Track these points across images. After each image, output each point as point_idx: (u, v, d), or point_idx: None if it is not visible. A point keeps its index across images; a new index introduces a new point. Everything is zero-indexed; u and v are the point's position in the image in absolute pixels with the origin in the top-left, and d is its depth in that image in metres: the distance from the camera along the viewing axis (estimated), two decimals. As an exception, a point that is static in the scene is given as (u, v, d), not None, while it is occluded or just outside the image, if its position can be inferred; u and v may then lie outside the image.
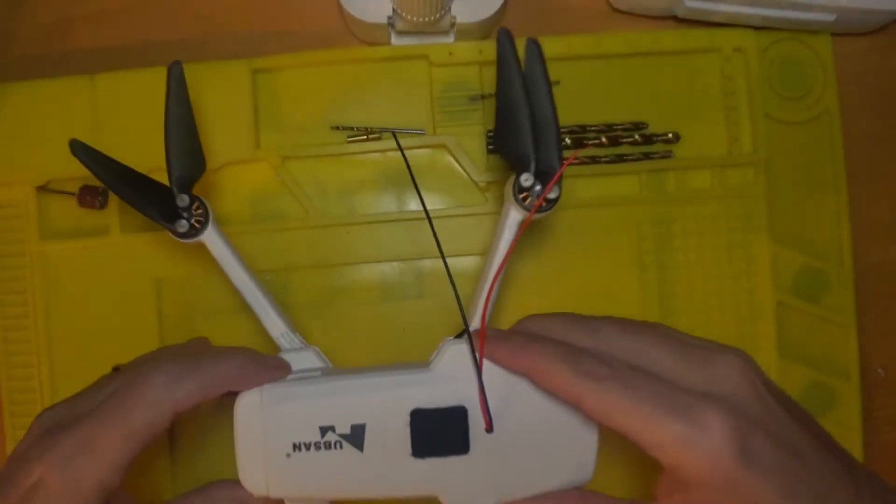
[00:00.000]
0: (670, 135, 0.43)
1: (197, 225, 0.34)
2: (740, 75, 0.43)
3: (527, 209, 0.32)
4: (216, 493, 0.34)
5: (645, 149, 0.43)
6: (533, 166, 0.32)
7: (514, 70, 0.32)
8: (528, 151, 0.31)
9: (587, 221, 0.43)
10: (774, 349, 0.42)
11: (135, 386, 0.29)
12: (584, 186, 0.43)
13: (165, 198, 0.33)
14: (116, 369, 0.34)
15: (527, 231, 0.39)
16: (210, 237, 0.34)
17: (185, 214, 0.33)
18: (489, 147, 0.42)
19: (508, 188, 0.32)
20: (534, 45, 0.33)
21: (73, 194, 0.42)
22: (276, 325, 0.35)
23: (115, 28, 0.44)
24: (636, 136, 0.43)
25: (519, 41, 0.42)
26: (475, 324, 0.33)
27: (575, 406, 0.28)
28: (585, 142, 0.43)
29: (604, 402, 0.27)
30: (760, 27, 0.43)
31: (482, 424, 0.30)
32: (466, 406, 0.31)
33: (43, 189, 0.42)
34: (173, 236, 0.34)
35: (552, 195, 0.32)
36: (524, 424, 0.31)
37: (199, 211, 0.34)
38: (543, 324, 0.31)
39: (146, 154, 0.41)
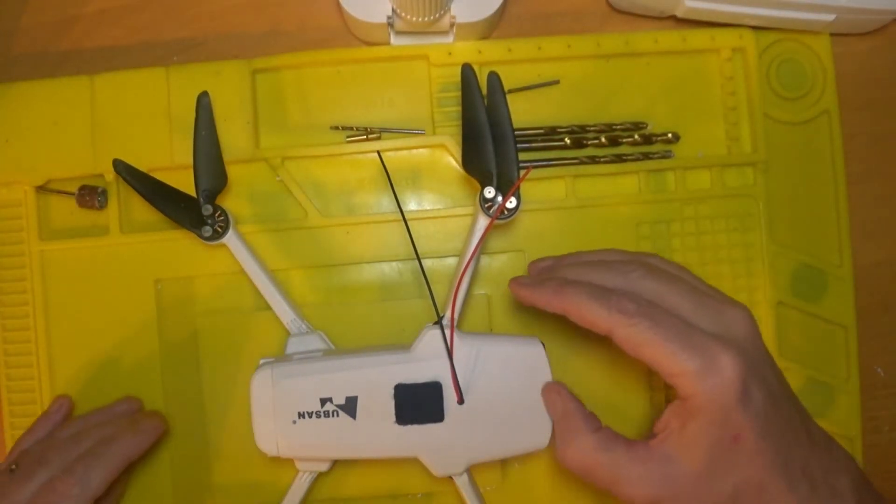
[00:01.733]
0: (670, 135, 0.43)
1: (219, 230, 0.39)
2: (740, 75, 0.43)
3: (490, 216, 0.37)
4: (118, 406, 0.41)
5: (644, 149, 0.43)
6: (495, 180, 0.37)
7: (478, 99, 0.38)
8: (491, 168, 0.37)
9: (587, 221, 0.43)
10: (774, 349, 0.42)
11: (54, 489, 0.35)
12: (584, 186, 0.43)
13: (192, 207, 0.39)
14: (12, 470, 0.37)
15: (529, 231, 0.43)
16: (231, 240, 0.40)
17: (209, 221, 0.39)
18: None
19: (477, 198, 0.38)
20: (495, 77, 0.38)
21: (72, 194, 0.42)
22: (286, 314, 0.40)
23: (115, 28, 0.44)
24: (636, 136, 0.43)
25: (517, 42, 0.42)
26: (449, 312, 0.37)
27: (607, 336, 0.32)
28: (585, 142, 0.43)
29: (633, 336, 0.31)
30: (760, 27, 0.43)
31: (455, 397, 0.35)
32: (441, 381, 0.36)
33: (42, 189, 0.42)
34: (200, 239, 0.39)
35: (511, 205, 0.37)
36: (491, 397, 0.36)
37: (221, 218, 0.39)
38: (578, 269, 0.35)
39: (145, 154, 0.42)
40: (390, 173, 0.39)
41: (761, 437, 0.30)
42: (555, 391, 0.35)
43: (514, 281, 0.36)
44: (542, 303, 0.34)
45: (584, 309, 0.32)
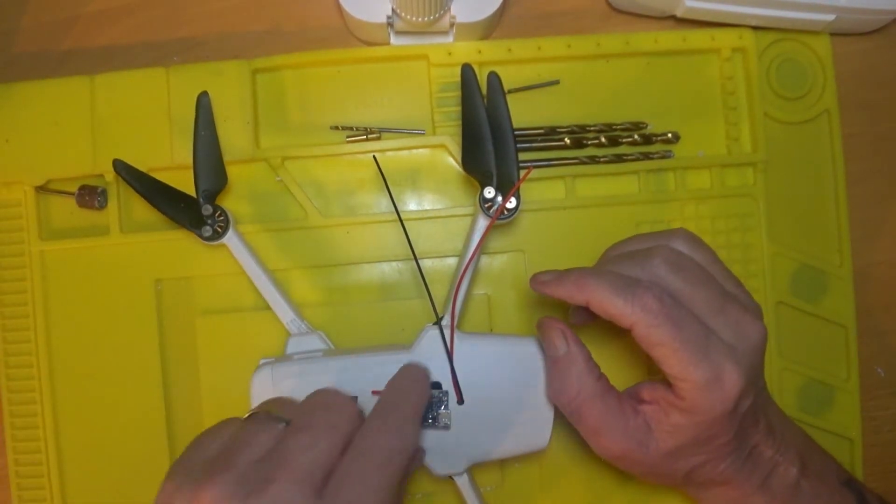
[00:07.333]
0: (670, 135, 0.43)
1: (219, 230, 0.39)
2: (740, 75, 0.43)
3: (490, 216, 0.37)
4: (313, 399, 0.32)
5: (644, 149, 0.43)
6: (495, 181, 0.37)
7: (478, 100, 0.38)
8: (491, 168, 0.38)
9: (587, 221, 0.43)
10: (774, 349, 0.42)
11: (365, 447, 0.29)
12: (584, 186, 0.43)
13: (192, 207, 0.39)
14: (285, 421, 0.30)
15: (529, 231, 0.43)
16: (231, 240, 0.40)
17: (209, 221, 0.39)
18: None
19: (477, 199, 0.38)
20: (495, 77, 0.39)
21: (72, 194, 0.42)
22: (286, 313, 0.40)
23: (115, 28, 0.44)
24: (636, 136, 0.43)
25: (516, 42, 0.42)
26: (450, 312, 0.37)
27: (627, 329, 0.32)
28: (585, 142, 0.43)
29: (652, 335, 0.31)
30: (760, 27, 0.43)
31: (455, 397, 0.36)
32: (441, 382, 0.36)
33: (42, 189, 0.42)
34: (200, 239, 0.39)
35: (511, 205, 0.38)
36: (491, 397, 0.36)
37: (221, 218, 0.39)
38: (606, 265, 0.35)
39: (145, 154, 0.42)
40: (390, 173, 0.39)
41: (733, 437, 0.33)
42: (559, 330, 0.35)
43: (535, 278, 0.35)
44: (565, 295, 0.34)
45: (607, 303, 0.32)
